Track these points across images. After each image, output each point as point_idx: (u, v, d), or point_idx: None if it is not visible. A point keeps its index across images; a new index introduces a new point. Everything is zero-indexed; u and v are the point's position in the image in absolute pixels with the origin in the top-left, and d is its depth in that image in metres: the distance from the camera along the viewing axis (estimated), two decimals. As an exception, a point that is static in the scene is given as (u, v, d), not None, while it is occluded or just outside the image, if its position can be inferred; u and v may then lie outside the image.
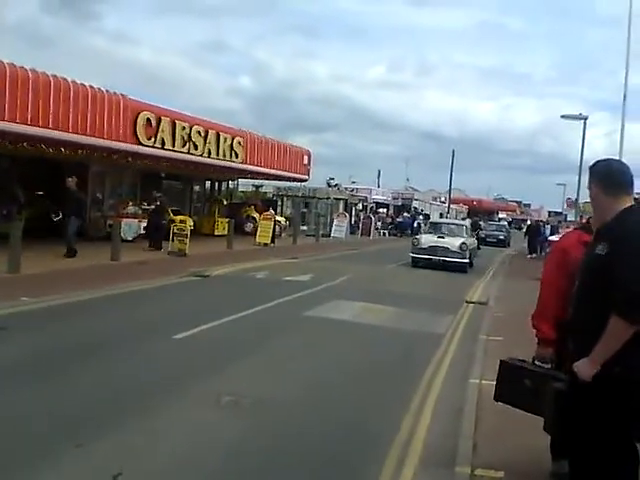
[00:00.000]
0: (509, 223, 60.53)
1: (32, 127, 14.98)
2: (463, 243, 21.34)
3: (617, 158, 3.87)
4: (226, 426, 5.48)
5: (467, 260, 21.32)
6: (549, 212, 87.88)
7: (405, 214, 46.23)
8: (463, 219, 46.57)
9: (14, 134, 15.16)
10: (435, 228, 24.17)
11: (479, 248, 27.45)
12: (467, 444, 5.30)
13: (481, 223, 45.95)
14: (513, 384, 4.22)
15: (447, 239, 21.65)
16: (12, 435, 4.88)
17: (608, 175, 3.59)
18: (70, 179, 16.40)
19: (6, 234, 13.28)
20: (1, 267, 12.62)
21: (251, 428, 5.46)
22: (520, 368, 4.26)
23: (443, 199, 65.33)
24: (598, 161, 3.75)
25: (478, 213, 74.72)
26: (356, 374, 7.59)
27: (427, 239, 22.06)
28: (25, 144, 16.67)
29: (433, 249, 21.26)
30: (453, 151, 58.49)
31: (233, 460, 4.79)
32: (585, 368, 3.39)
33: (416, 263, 21.54)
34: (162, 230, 20.25)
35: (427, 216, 47.77)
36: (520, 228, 63.97)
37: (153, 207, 21.57)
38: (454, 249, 21.05)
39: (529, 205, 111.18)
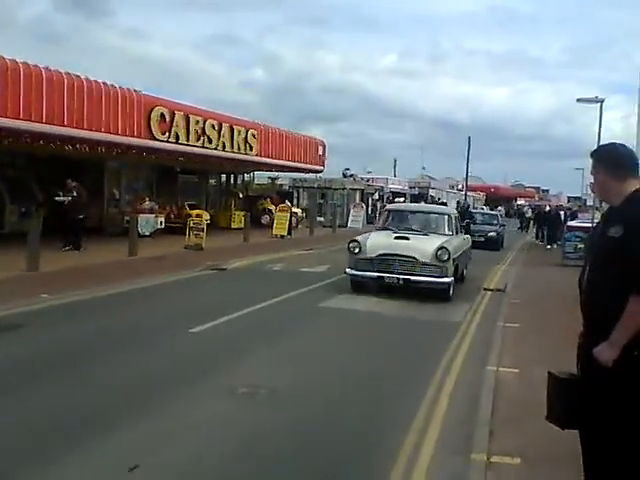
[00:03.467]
0: (532, 210, 48.39)
1: (47, 125, 15.11)
2: (442, 248, 12.09)
3: (620, 142, 3.84)
4: (242, 417, 5.51)
5: (448, 279, 12.05)
6: (568, 197, 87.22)
7: (422, 203, 45.97)
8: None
9: (29, 132, 15.30)
10: (397, 219, 14.19)
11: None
12: (483, 431, 5.29)
13: (473, 210, 33.06)
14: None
15: (414, 240, 12.44)
16: (28, 430, 4.95)
17: (616, 160, 3.60)
18: None
19: (25, 232, 13.46)
20: (20, 265, 12.78)
21: (267, 419, 5.49)
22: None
23: (460, 187, 64.90)
24: (602, 146, 3.76)
25: (496, 200, 74.21)
26: (372, 364, 7.59)
27: (377, 241, 12.65)
28: (41, 142, 16.79)
29: (386, 260, 12.09)
30: (469, 138, 57.88)
31: (248, 450, 4.82)
32: (605, 352, 3.35)
33: (358, 286, 12.56)
34: (79, 227, 16.84)
35: (444, 204, 46.58)
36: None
37: (69, 199, 16.71)
38: (425, 259, 11.98)
39: (548, 191, 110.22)
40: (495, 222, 28.26)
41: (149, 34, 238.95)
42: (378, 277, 12.09)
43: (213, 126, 22.07)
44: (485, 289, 14.03)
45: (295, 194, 38.60)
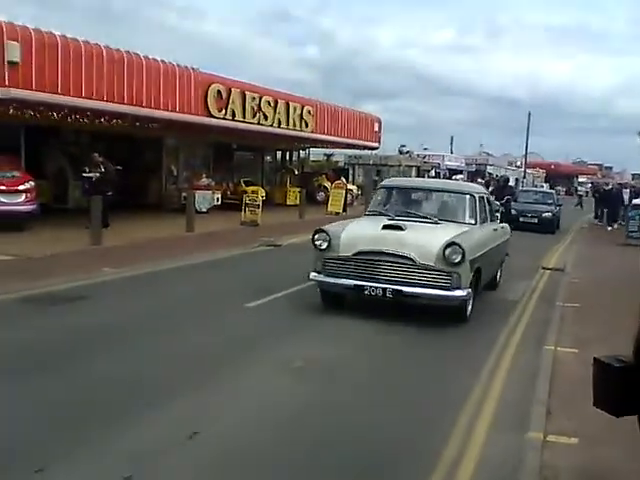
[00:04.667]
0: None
1: (107, 103, 15.43)
2: (452, 244, 8.04)
3: None
4: (296, 390, 5.58)
5: (462, 292, 8.10)
6: (633, 175, 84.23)
7: (479, 180, 45.21)
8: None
9: (91, 110, 15.67)
10: (395, 201, 10.15)
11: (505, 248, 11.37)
12: (540, 410, 5.22)
13: (513, 185, 30.49)
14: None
15: (412, 232, 8.43)
16: (92, 396, 5.13)
17: None
18: None
19: (88, 208, 13.88)
20: (85, 239, 13.23)
21: (320, 392, 5.55)
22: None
23: (519, 163, 63.54)
24: None
25: (556, 178, 72.35)
26: (426, 341, 7.56)
27: (356, 233, 8.69)
28: (102, 119, 17.18)
29: (367, 262, 8.24)
30: (529, 114, 56.67)
31: (301, 422, 4.89)
32: None
33: (331, 300, 8.91)
34: (107, 204, 14.74)
35: (507, 182, 43.09)
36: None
37: (97, 175, 15.84)
38: (425, 260, 8.04)
39: (611, 168, 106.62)
40: (550, 201, 25.24)
41: (203, 11, 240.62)
42: (355, 287, 8.15)
43: (269, 103, 22.13)
44: (544, 268, 13.76)
45: (350, 171, 38.55)
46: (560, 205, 25.90)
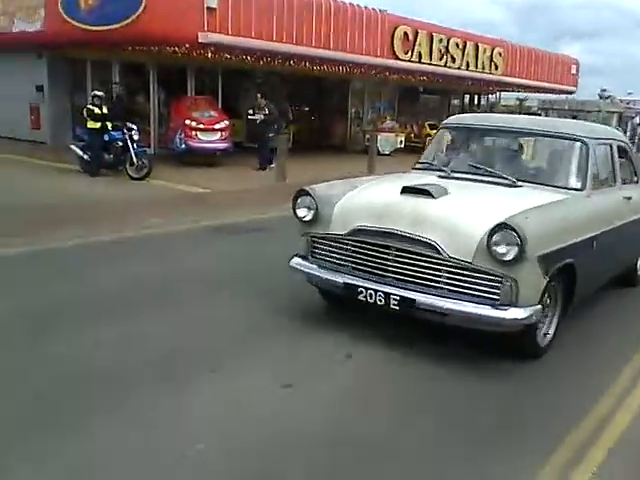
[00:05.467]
0: None
1: (298, 46, 16.06)
2: (501, 228, 4.36)
3: None
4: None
5: (521, 312, 4.41)
6: None
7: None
8: None
9: (281, 53, 16.40)
10: (458, 147, 6.72)
11: None
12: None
13: None
14: None
15: (447, 201, 4.87)
16: (255, 314, 5.68)
17: None
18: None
19: (275, 147, 14.77)
20: (270, 176, 14.27)
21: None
22: None
23: None
24: None
25: None
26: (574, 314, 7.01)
27: (366, 200, 5.20)
28: (291, 62, 17.91)
29: (367, 247, 4.93)
30: None
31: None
32: None
33: (332, 298, 5.72)
34: (267, 145, 15.91)
35: None
36: None
37: (261, 117, 16.17)
38: (457, 253, 4.50)
39: None
40: None
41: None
42: (345, 286, 5.01)
43: (457, 45, 21.60)
44: None
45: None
46: None
